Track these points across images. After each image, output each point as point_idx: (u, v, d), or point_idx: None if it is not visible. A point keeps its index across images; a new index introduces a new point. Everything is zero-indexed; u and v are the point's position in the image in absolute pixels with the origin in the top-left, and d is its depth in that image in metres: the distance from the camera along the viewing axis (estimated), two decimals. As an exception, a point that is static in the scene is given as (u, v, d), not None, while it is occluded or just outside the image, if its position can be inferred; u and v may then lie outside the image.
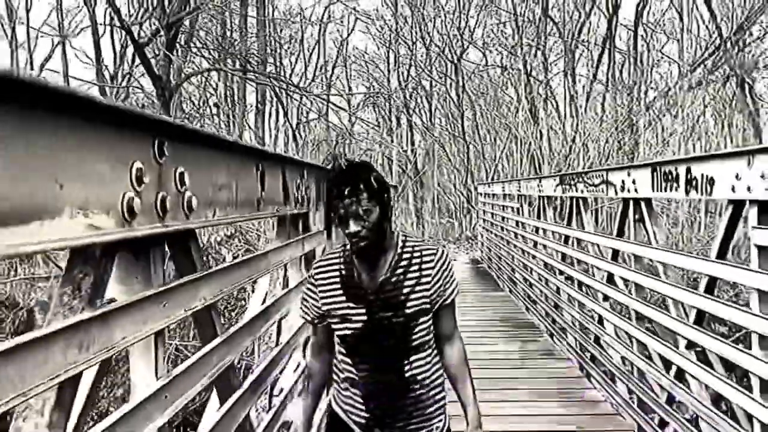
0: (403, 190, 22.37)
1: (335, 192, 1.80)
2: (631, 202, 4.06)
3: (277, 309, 2.25)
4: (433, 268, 1.92)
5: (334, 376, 2.06)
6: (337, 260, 1.97)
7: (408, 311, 1.88)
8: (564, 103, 23.10)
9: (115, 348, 1.03)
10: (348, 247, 1.94)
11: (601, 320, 4.69)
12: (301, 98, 16.11)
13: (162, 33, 8.49)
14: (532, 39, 23.62)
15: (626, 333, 4.09)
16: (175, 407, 1.25)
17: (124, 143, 1.00)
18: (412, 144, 26.35)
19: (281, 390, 2.41)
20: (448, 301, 1.96)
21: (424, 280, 1.90)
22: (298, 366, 2.64)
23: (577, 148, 19.17)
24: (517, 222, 8.49)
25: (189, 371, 1.37)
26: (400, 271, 1.89)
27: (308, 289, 2.01)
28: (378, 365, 1.92)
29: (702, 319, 3.18)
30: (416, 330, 1.90)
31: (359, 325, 1.89)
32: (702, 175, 3.01)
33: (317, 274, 1.98)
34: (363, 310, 1.89)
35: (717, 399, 3.16)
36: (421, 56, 26.61)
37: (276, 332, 2.64)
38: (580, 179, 5.11)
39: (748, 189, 2.61)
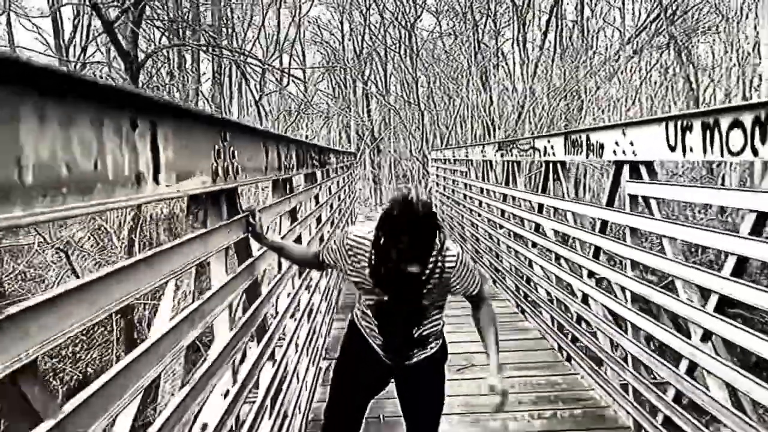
0: (360, 157, 22.99)
1: (405, 231, 1.91)
2: (551, 165, 4.93)
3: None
4: (452, 269, 2.16)
5: (357, 304, 2.38)
6: (363, 245, 2.17)
7: (425, 303, 2.20)
8: (514, 69, 23.99)
9: (210, 253, 1.78)
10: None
11: (531, 264, 5.62)
12: (263, 72, 16.53)
13: (130, 10, 8.89)
14: (483, 5, 24.31)
15: (550, 272, 5.02)
16: (236, 294, 2.04)
17: (211, 133, 1.73)
18: (369, 111, 26.89)
19: (277, 312, 3.10)
20: (475, 292, 2.26)
21: (443, 281, 2.16)
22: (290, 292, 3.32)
23: (526, 114, 20.09)
24: (465, 184, 9.36)
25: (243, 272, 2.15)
26: (428, 273, 2.11)
27: (340, 252, 2.23)
28: (393, 326, 2.27)
29: (598, 254, 4.08)
30: (430, 312, 2.28)
31: (382, 299, 2.19)
32: (596, 141, 3.87)
33: (354, 247, 2.19)
34: (385, 295, 2.17)
35: (611, 314, 3.97)
36: (376, 23, 27.01)
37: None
38: (514, 145, 5.96)
39: (623, 152, 3.48)
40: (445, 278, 2.16)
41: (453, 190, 10.81)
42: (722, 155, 2.48)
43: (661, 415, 3.21)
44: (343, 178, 8.51)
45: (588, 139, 4.00)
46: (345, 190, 9.01)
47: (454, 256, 2.17)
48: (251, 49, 22.70)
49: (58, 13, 16.03)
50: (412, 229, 1.91)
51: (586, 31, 25.61)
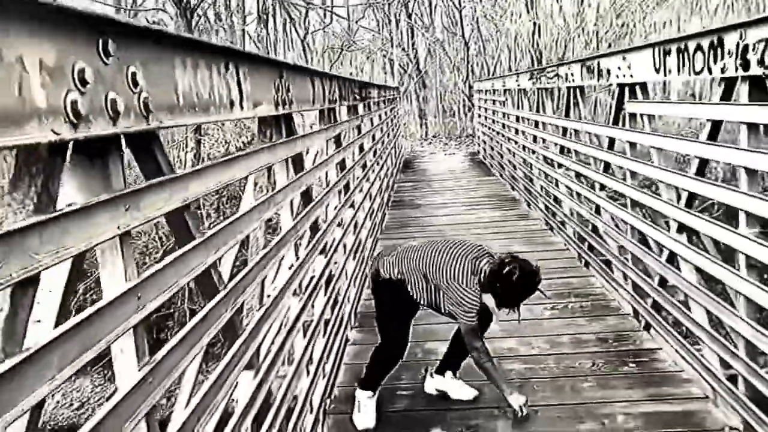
0: (405, 91, 23.27)
1: (527, 290, 2.78)
2: (571, 90, 5.38)
3: (266, 208, 2.20)
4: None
5: (395, 272, 3.04)
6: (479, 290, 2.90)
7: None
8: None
9: (69, 252, 0.99)
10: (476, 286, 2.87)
11: (557, 183, 6.13)
12: (307, 11, 16.95)
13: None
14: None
15: (572, 189, 5.50)
16: (147, 310, 1.24)
17: (272, 73, 2.33)
18: (413, 44, 26.83)
19: (275, 288, 2.52)
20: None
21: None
22: (291, 265, 2.74)
23: (570, 41, 19.85)
24: (503, 114, 9.78)
25: (163, 271, 1.34)
26: None
27: (478, 299, 2.90)
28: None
29: (608, 169, 4.57)
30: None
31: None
32: (605, 67, 4.33)
33: (478, 294, 2.90)
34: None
35: (707, 280, 3.27)
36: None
37: (262, 236, 2.80)
38: (543, 73, 6.38)
39: (624, 76, 3.95)
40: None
41: (493, 120, 11.21)
42: (689, 75, 2.97)
43: (650, 299, 3.80)
44: (385, 112, 9.07)
45: (599, 65, 4.45)
46: (388, 123, 9.58)
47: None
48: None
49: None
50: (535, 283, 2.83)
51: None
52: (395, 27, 24.16)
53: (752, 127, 2.56)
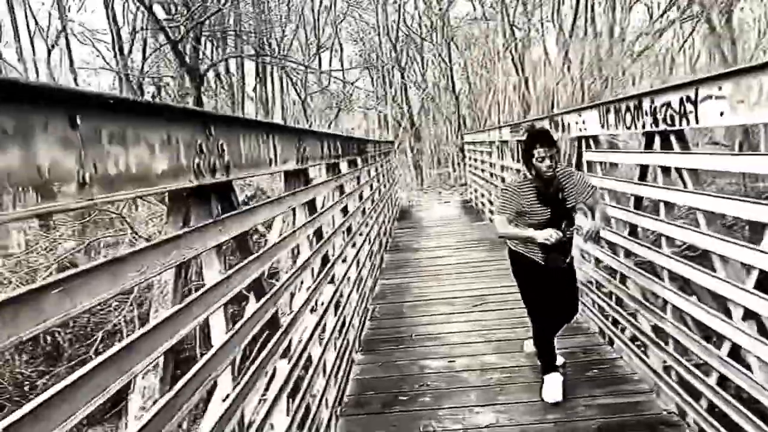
0: (400, 144, 24.25)
1: (538, 143, 3.38)
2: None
3: (292, 239, 3.00)
4: (573, 173, 3.64)
5: (513, 241, 3.73)
6: (526, 183, 3.55)
7: (570, 204, 3.56)
8: (547, 49, 24.86)
9: (186, 256, 1.63)
10: (529, 177, 3.53)
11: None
12: (305, 74, 18.14)
13: (192, 30, 10.46)
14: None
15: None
16: (233, 293, 1.93)
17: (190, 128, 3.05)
18: (407, 99, 27.97)
19: (300, 300, 3.13)
20: (588, 195, 3.60)
21: (573, 182, 3.56)
22: (309, 287, 3.34)
23: (558, 91, 20.95)
24: (490, 163, 10.60)
25: (238, 272, 2.03)
26: (562, 186, 3.54)
27: (513, 197, 3.52)
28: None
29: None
30: (572, 217, 3.62)
31: (545, 217, 3.50)
32: (567, 122, 5.11)
33: (519, 191, 3.53)
34: (548, 209, 3.51)
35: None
36: (410, 10, 27.96)
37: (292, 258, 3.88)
38: (519, 127, 7.19)
39: (580, 130, 4.72)
40: (573, 181, 3.58)
41: (482, 170, 12.03)
42: (623, 129, 3.73)
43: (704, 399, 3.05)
44: (381, 164, 9.87)
45: (563, 120, 5.24)
46: (383, 174, 10.37)
47: (571, 167, 3.78)
48: (290, 46, 24.39)
49: (115, 30, 18.02)
50: (544, 133, 3.52)
51: (616, 9, 26.11)
52: (389, 85, 25.33)
53: (665, 170, 3.31)
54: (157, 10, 15.97)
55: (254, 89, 25.33)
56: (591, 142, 4.60)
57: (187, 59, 10.87)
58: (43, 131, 1.04)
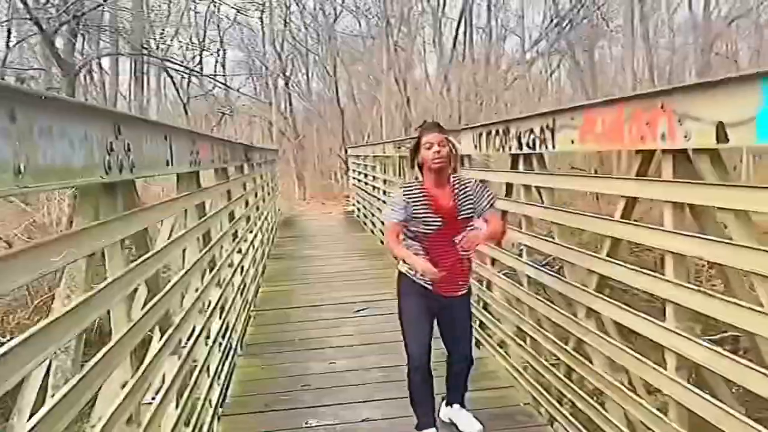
0: (284, 153, 24.18)
1: (426, 130, 3.04)
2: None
3: (183, 240, 3.06)
4: (471, 182, 3.15)
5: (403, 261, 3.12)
6: (416, 186, 3.08)
7: (464, 214, 3.07)
8: (427, 69, 26.07)
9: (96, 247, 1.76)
10: (420, 178, 3.09)
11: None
12: (189, 77, 17.68)
13: (69, 23, 9.90)
14: (396, 10, 25.89)
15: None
16: (133, 286, 2.21)
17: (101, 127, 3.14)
18: (291, 110, 27.96)
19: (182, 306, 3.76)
20: (487, 206, 3.12)
21: (469, 190, 3.10)
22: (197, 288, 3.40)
23: (437, 112, 21.98)
24: (373, 177, 10.99)
25: (138, 266, 2.41)
26: (456, 192, 3.08)
27: (398, 200, 3.04)
28: (444, 250, 3.06)
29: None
30: (468, 226, 3.10)
31: (436, 227, 3.02)
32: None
33: (407, 192, 3.05)
34: (439, 217, 3.02)
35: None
36: (296, 20, 28.01)
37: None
38: (403, 143, 7.59)
39: (510, 148, 5.14)
40: (469, 188, 3.12)
41: (365, 183, 12.42)
42: (493, 150, 4.17)
43: (554, 390, 3.49)
44: (266, 172, 9.93)
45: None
46: (268, 182, 10.42)
47: (470, 178, 3.27)
48: (169, 46, 23.70)
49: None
50: (432, 123, 3.24)
51: (493, 38, 27.94)
52: (273, 93, 25.21)
53: (527, 188, 3.76)
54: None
55: (128, 88, 24.27)
56: (466, 161, 5.03)
57: (61, 53, 10.27)
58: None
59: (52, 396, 1.47)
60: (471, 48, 26.99)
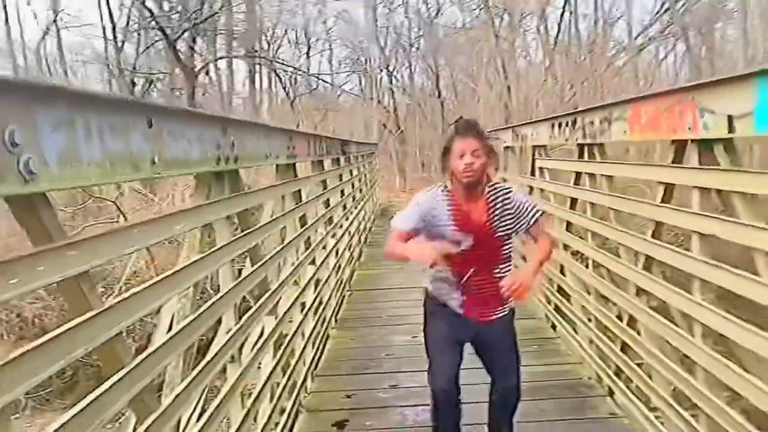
0: (384, 146, 24.90)
1: (458, 133, 2.45)
2: (508, 150, 6.88)
3: (282, 220, 3.49)
4: (511, 194, 2.58)
5: (428, 279, 2.70)
6: (443, 196, 2.52)
7: (500, 233, 2.54)
8: (531, 57, 25.82)
9: (209, 219, 2.51)
10: (450, 186, 2.53)
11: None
12: (296, 77, 18.87)
13: (189, 30, 11.05)
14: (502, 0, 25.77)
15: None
16: (236, 254, 3.04)
17: (281, 136, 3.70)
18: (394, 102, 28.63)
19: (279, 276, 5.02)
20: (533, 221, 2.60)
21: (507, 205, 2.55)
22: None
23: (536, 102, 21.76)
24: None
25: (242, 238, 3.82)
26: (492, 206, 2.52)
27: (415, 209, 2.53)
28: (477, 275, 2.55)
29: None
30: (504, 251, 2.59)
31: (464, 248, 2.50)
32: (524, 134, 5.81)
33: (431, 201, 2.52)
34: (470, 235, 2.50)
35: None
36: (399, 14, 28.64)
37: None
38: (490, 135, 7.88)
39: (533, 140, 5.42)
40: (511, 203, 2.57)
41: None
42: (564, 140, 4.43)
43: (613, 364, 3.75)
44: (364, 165, 10.53)
45: (521, 131, 5.94)
46: (366, 174, 11.03)
47: (510, 187, 2.67)
48: (280, 45, 25.14)
49: (110, 24, 18.70)
50: (466, 123, 2.55)
51: (599, 24, 27.07)
52: (377, 87, 25.97)
53: (591, 175, 4.01)
54: (150, 5, 16.58)
55: (243, 86, 26.05)
56: (542, 151, 5.30)
57: (182, 57, 11.46)
58: (133, 129, 1.69)
59: (178, 323, 2.03)
60: (577, 35, 26.36)
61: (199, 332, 2.13)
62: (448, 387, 2.67)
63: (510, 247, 2.64)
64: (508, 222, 2.57)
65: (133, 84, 17.80)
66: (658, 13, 25.73)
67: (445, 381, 2.66)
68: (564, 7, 25.93)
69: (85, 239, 1.38)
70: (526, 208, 2.61)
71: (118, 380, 1.48)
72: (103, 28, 22.07)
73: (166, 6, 14.87)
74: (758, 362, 2.14)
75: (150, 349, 1.68)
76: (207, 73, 23.27)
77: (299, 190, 4.37)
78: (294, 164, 4.22)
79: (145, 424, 1.63)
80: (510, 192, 2.61)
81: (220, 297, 2.41)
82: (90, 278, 1.42)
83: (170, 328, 2.01)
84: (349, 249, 7.48)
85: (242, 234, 2.73)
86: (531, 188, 5.86)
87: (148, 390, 1.67)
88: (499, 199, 2.56)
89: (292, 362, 3.77)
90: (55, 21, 25.04)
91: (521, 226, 2.61)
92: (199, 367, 2.06)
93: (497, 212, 2.55)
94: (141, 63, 20.24)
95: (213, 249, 2.37)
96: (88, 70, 26.33)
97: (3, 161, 1.11)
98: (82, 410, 1.33)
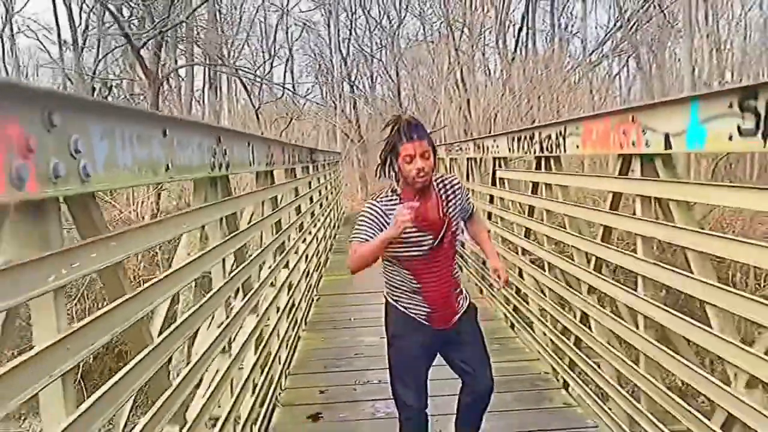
0: (347, 155, 25.15)
1: (405, 137, 2.31)
2: (470, 161, 7.22)
3: (261, 225, 3.74)
4: (459, 186, 2.59)
5: (389, 286, 2.60)
6: (397, 202, 2.44)
7: (454, 222, 2.51)
8: (490, 71, 26.53)
9: (206, 221, 2.46)
10: (398, 189, 2.45)
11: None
12: (261, 85, 18.96)
13: (155, 38, 11.11)
14: (459, 15, 26.44)
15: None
16: (226, 254, 2.65)
17: (209, 137, 3.95)
18: (356, 111, 28.94)
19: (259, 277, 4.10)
20: (471, 209, 2.71)
21: (456, 195, 2.55)
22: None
23: (494, 115, 22.38)
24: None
25: (231, 239, 2.80)
26: (444, 199, 2.50)
27: (371, 218, 2.42)
28: (439, 275, 2.51)
29: (489, 218, 6.33)
30: (457, 241, 2.55)
31: (427, 247, 2.44)
32: (486, 145, 6.16)
33: (384, 207, 2.43)
34: (429, 235, 2.44)
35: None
36: (361, 25, 29.08)
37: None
38: (452, 146, 8.24)
39: (495, 152, 5.76)
40: (457, 191, 2.56)
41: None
42: (523, 153, 4.77)
43: (567, 358, 4.11)
44: (330, 173, 10.77)
45: (483, 143, 6.29)
46: (332, 182, 11.27)
47: (454, 177, 2.66)
48: (241, 51, 25.23)
49: (71, 29, 18.50)
50: (412, 124, 2.38)
51: (555, 40, 28.03)
52: (339, 98, 26.24)
53: (548, 186, 4.36)
54: (113, 10, 16.50)
55: (202, 92, 25.97)
56: (502, 162, 5.65)
57: (147, 64, 11.52)
58: (153, 138, 1.91)
59: (182, 314, 2.24)
60: (534, 50, 27.23)
61: (199, 322, 2.35)
62: (421, 401, 2.63)
63: (457, 242, 2.60)
64: (458, 211, 2.57)
65: (93, 90, 17.64)
66: (611, 30, 26.86)
67: (418, 396, 2.63)
68: (522, 23, 26.78)
69: (121, 233, 1.60)
70: (466, 196, 2.65)
71: (144, 357, 1.70)
72: (59, 33, 21.88)
73: (126, 12, 14.93)
74: (688, 346, 2.48)
75: (165, 333, 1.89)
76: (167, 80, 23.23)
77: (276, 197, 4.62)
78: (272, 171, 4.45)
79: (160, 400, 1.85)
80: (456, 180, 2.63)
81: (214, 293, 2.63)
82: (123, 267, 1.64)
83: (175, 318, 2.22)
84: (317, 255, 7.70)
85: (232, 235, 2.95)
86: (492, 197, 6.22)
87: (164, 370, 1.88)
88: (449, 189, 2.55)
89: (269, 360, 3.98)
90: (9, 23, 24.66)
91: (465, 214, 2.65)
92: (200, 354, 2.27)
93: (450, 203, 2.53)
94: (99, 69, 20.05)
95: (208, 248, 2.60)
96: (39, 74, 26.08)
97: (69, 165, 1.33)
98: (116, 382, 1.54)
